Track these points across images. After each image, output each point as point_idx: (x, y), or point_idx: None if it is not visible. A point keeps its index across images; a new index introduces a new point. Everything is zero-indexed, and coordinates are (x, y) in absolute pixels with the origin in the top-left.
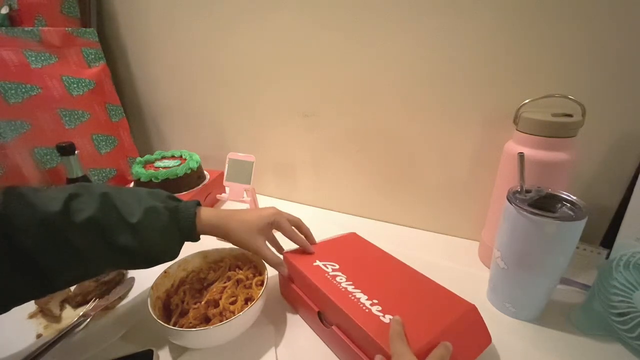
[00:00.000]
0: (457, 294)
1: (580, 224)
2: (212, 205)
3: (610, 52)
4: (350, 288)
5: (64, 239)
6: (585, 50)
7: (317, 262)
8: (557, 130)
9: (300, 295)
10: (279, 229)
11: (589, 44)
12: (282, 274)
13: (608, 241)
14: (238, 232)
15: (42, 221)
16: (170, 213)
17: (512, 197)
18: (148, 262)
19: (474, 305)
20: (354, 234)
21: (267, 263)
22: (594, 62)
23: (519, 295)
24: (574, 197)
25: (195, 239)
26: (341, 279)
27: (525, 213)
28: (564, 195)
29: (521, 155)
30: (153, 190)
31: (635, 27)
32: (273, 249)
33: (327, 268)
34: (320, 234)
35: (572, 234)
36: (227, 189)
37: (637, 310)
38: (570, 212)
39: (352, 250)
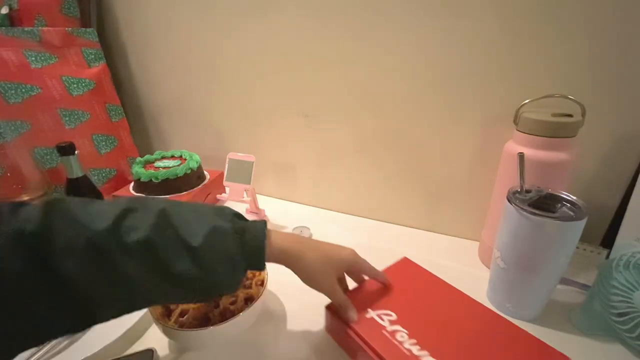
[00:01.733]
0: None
1: (581, 224)
2: None
3: (610, 52)
4: (415, 350)
5: (113, 263)
6: (585, 50)
7: (371, 313)
8: (557, 130)
9: (360, 345)
10: (362, 269)
11: (589, 44)
12: (350, 320)
13: (608, 241)
14: (313, 263)
15: (88, 241)
16: (237, 235)
17: (512, 197)
18: (204, 294)
19: (567, 358)
20: (406, 259)
21: (336, 305)
22: (594, 62)
23: (519, 295)
24: (574, 197)
25: (262, 267)
26: (402, 337)
27: (525, 213)
28: (564, 195)
29: (521, 156)
30: (218, 207)
31: (635, 27)
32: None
33: (383, 321)
34: (320, 234)
35: (573, 234)
36: (227, 189)
37: (637, 310)
38: (570, 212)
39: (407, 288)
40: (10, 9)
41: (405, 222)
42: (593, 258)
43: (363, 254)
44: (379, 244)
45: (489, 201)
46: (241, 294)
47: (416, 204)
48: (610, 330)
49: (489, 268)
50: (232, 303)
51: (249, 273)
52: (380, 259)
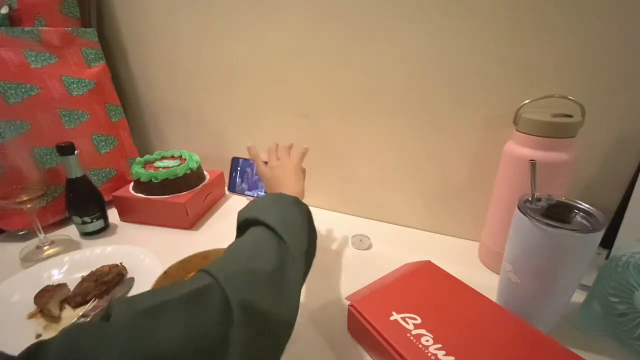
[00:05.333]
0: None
1: (599, 234)
2: (211, 206)
3: (610, 52)
4: (441, 355)
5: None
6: (585, 51)
7: (395, 316)
8: (556, 131)
9: (384, 347)
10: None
11: (589, 44)
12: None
13: (608, 241)
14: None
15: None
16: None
17: (524, 206)
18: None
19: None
20: (429, 263)
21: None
22: (594, 62)
23: (536, 310)
24: (586, 205)
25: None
26: (427, 341)
27: (541, 225)
28: (575, 203)
29: (533, 163)
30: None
31: (634, 26)
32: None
33: (408, 324)
34: (319, 234)
35: (592, 244)
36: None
37: (637, 310)
38: (584, 221)
39: (432, 292)
40: (10, 8)
41: (405, 222)
42: (593, 258)
43: (362, 254)
44: (379, 244)
45: (488, 202)
46: None
47: (415, 204)
48: (610, 331)
49: (489, 269)
50: None
51: None
52: (379, 259)
